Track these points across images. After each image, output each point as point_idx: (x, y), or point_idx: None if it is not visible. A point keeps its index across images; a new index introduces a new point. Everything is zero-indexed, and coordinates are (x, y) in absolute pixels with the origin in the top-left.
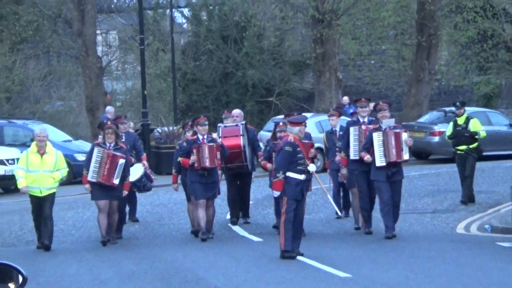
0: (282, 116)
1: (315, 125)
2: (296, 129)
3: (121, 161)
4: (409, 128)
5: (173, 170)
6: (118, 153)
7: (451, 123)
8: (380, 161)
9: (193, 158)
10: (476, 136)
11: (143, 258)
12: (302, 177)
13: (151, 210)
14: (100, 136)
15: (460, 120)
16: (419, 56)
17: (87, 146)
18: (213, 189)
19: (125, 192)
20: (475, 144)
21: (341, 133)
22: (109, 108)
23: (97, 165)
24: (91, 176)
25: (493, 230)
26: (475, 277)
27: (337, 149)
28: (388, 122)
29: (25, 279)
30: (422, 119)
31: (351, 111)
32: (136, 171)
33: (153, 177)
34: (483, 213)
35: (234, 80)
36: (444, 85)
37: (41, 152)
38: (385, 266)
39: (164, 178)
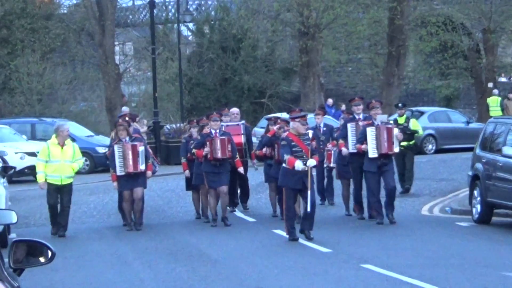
0: (275, 115)
1: None
2: (290, 124)
3: (141, 148)
4: None
5: (182, 160)
6: (136, 142)
7: (392, 123)
8: (372, 153)
9: (206, 149)
10: (416, 134)
11: (155, 236)
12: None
13: (161, 195)
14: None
15: (401, 120)
16: (390, 63)
17: (106, 140)
18: (225, 178)
19: (149, 173)
20: (413, 141)
21: (324, 129)
22: (124, 108)
23: (121, 159)
24: (119, 170)
25: (453, 212)
26: (437, 252)
27: (321, 142)
28: (381, 117)
29: (53, 254)
30: (392, 118)
31: (333, 111)
32: None
33: (157, 161)
34: (444, 197)
35: (232, 84)
36: (411, 89)
37: (61, 143)
38: (361, 243)
39: (173, 168)
